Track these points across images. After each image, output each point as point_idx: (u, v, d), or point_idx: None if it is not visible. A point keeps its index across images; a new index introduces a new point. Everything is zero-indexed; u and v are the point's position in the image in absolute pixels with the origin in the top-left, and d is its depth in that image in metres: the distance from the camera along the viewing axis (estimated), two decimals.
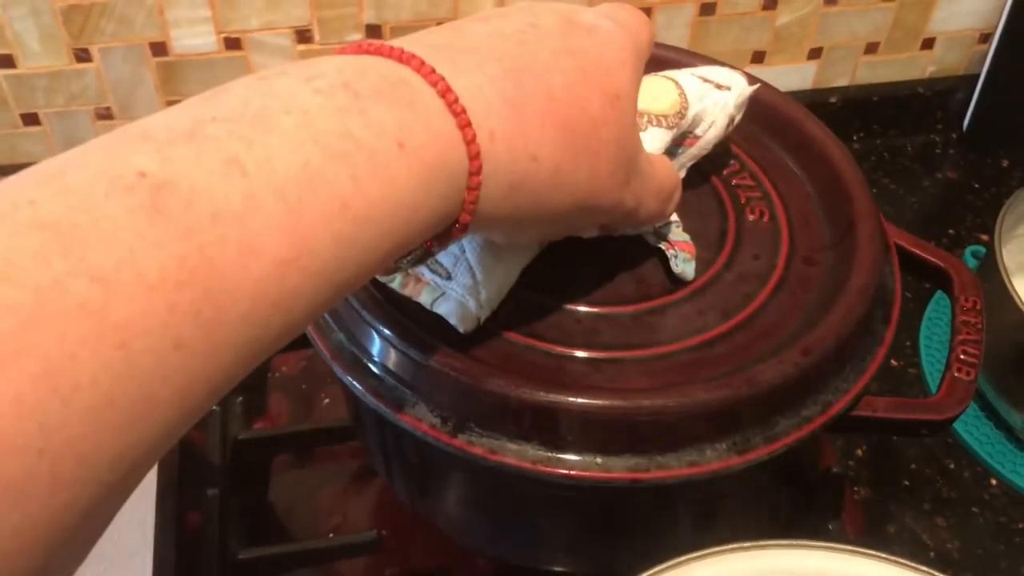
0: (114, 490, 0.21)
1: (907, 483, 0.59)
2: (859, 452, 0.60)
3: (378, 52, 0.28)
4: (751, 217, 0.45)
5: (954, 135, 0.83)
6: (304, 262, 0.24)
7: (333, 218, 0.24)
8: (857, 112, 0.82)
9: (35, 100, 0.68)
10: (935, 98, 0.82)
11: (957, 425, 0.61)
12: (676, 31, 0.74)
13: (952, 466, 0.60)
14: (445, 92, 0.28)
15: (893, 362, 0.65)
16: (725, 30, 0.75)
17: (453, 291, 0.38)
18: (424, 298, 0.39)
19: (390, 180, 0.26)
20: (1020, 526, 0.57)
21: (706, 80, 0.44)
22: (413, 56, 0.28)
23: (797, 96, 0.53)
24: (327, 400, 0.63)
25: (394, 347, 0.38)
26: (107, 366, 0.20)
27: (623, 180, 0.34)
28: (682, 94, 0.42)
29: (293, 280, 0.24)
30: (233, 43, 0.68)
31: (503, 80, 0.29)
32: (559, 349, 0.39)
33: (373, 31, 0.69)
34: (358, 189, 0.25)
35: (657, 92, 0.42)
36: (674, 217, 0.43)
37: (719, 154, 0.47)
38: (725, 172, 0.48)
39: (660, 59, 0.47)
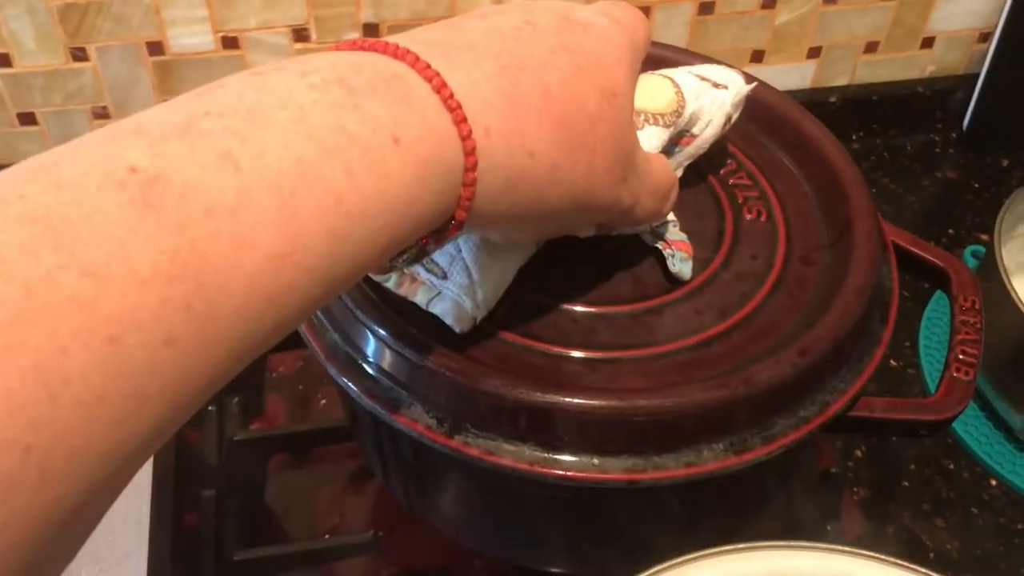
0: (105, 485, 0.21)
1: (906, 484, 0.59)
2: (858, 453, 0.60)
3: (373, 48, 0.28)
4: (748, 216, 0.45)
5: (954, 135, 0.83)
6: (298, 257, 0.24)
7: (328, 213, 0.24)
8: (856, 111, 0.81)
9: (32, 99, 0.68)
10: (935, 97, 0.82)
11: (956, 425, 0.61)
12: (675, 30, 0.74)
13: (951, 466, 0.60)
14: (440, 88, 0.27)
15: (892, 362, 0.65)
16: (724, 29, 0.75)
17: (449, 291, 0.38)
18: (420, 298, 0.39)
19: (385, 175, 0.26)
20: (1019, 526, 0.57)
21: (703, 79, 0.44)
22: (408, 52, 0.28)
23: (796, 95, 0.52)
24: (324, 401, 0.63)
25: (389, 347, 0.38)
26: (98, 361, 0.20)
27: (620, 177, 0.33)
28: (679, 92, 0.42)
29: (287, 275, 0.24)
30: (230, 42, 0.68)
31: (499, 76, 0.29)
32: (556, 349, 0.39)
33: (370, 30, 0.69)
34: (353, 184, 0.25)
35: (654, 90, 0.42)
36: (671, 216, 0.43)
37: (716, 153, 0.47)
38: (722, 171, 0.48)
39: (658, 58, 0.46)
